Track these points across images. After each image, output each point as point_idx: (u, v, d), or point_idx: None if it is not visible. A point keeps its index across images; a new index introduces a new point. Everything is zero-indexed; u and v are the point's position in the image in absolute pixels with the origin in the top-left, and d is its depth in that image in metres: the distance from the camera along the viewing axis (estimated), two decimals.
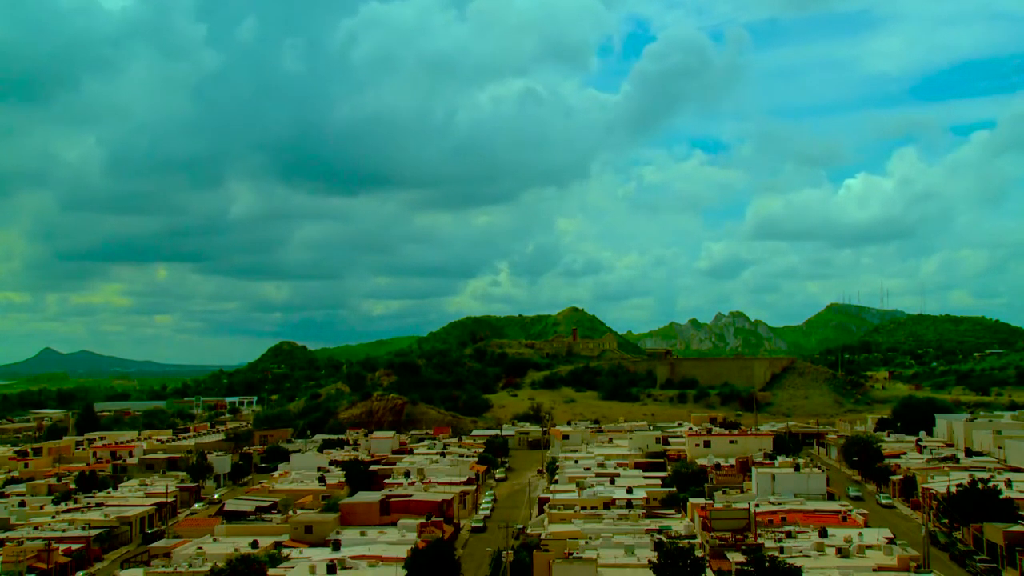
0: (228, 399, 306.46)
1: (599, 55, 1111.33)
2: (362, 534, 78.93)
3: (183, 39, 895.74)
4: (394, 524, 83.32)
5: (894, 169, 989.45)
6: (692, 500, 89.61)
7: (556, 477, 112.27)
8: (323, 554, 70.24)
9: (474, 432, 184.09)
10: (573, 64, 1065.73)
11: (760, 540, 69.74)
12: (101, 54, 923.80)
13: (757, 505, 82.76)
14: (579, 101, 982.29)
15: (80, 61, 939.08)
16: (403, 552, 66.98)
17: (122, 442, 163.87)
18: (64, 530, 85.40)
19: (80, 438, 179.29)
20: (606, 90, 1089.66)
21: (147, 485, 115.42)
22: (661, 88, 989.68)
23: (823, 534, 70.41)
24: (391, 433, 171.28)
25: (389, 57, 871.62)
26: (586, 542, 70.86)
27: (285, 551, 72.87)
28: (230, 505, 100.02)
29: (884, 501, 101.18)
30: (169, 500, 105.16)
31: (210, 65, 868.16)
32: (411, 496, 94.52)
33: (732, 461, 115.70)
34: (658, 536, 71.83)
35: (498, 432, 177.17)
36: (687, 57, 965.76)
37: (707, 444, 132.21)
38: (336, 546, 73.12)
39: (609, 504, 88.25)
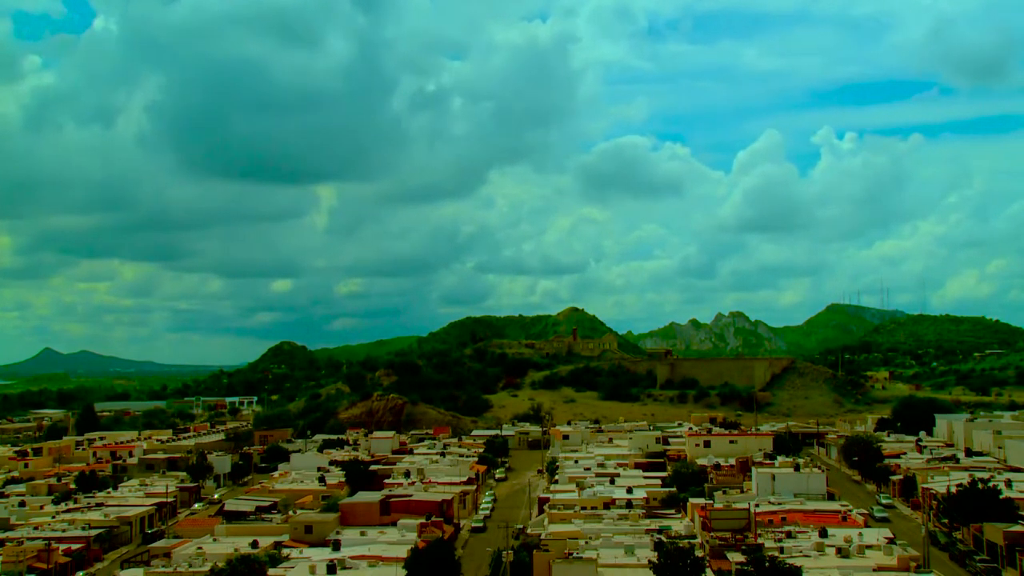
0: (228, 399, 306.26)
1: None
2: (362, 534, 78.96)
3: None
4: (394, 524, 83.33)
5: (895, 163, 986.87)
6: (692, 500, 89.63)
7: (556, 477, 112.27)
8: (323, 554, 70.27)
9: (474, 432, 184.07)
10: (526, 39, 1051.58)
11: (760, 540, 69.75)
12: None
13: (757, 505, 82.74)
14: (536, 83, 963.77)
15: None
16: (403, 552, 67.00)
17: (122, 442, 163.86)
18: (64, 530, 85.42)
19: (80, 438, 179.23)
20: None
21: (147, 485, 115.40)
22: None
23: (823, 534, 70.42)
24: (391, 433, 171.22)
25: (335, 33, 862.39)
26: (586, 542, 70.85)
27: (285, 551, 72.91)
28: (230, 505, 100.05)
29: (884, 501, 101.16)
30: (169, 500, 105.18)
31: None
32: (411, 496, 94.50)
33: (732, 461, 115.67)
34: (658, 536, 71.86)
35: (498, 432, 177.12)
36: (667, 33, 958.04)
37: (707, 444, 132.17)
38: (336, 546, 73.15)
39: (609, 504, 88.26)
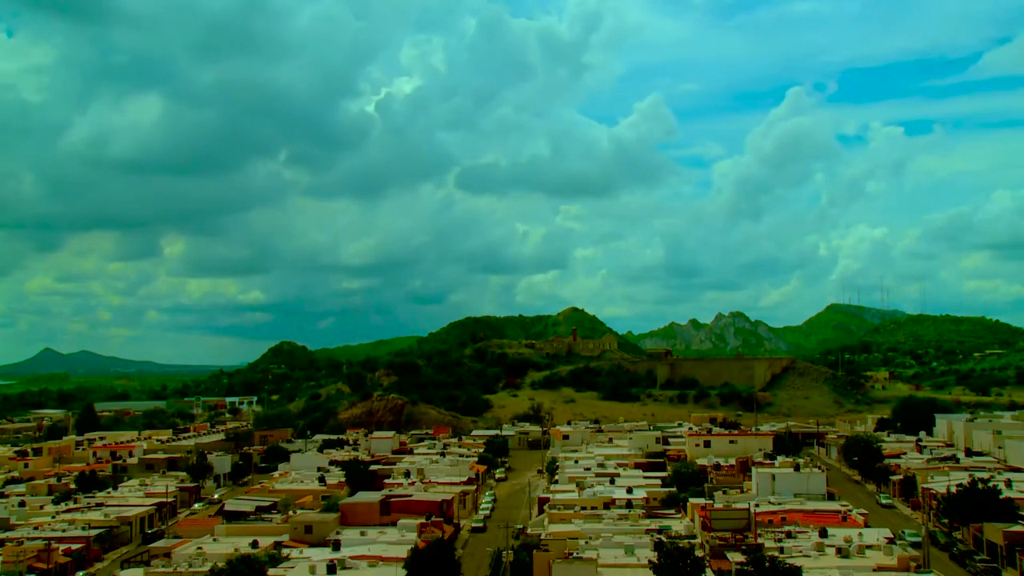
0: (228, 399, 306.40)
1: None
2: (362, 534, 78.94)
3: None
4: (394, 524, 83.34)
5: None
6: (692, 500, 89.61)
7: (556, 477, 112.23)
8: (323, 554, 70.24)
9: (474, 432, 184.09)
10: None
11: (760, 540, 69.71)
12: None
13: (757, 505, 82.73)
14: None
15: None
16: (403, 552, 66.98)
17: (122, 442, 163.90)
18: (64, 530, 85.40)
19: (80, 438, 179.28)
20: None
21: (147, 485, 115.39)
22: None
23: (823, 534, 70.37)
24: (391, 433, 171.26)
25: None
26: (586, 542, 70.82)
27: (285, 551, 72.89)
28: (230, 505, 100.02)
29: (884, 501, 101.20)
30: (169, 500, 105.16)
31: None
32: (411, 496, 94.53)
33: (732, 461, 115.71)
34: (658, 536, 71.81)
35: (498, 432, 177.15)
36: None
37: (707, 444, 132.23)
38: (336, 546, 73.13)
39: (609, 504, 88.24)
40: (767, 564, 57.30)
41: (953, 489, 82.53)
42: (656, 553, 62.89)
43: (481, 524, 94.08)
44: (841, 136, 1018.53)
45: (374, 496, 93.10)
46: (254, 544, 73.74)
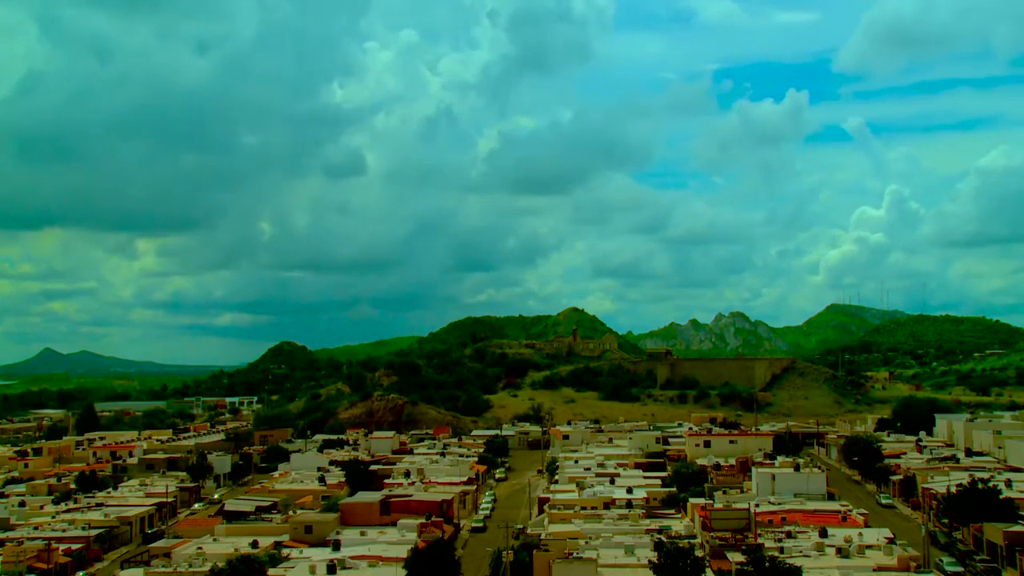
0: (228, 399, 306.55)
1: None
2: (362, 534, 79.00)
3: None
4: (394, 524, 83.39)
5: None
6: (692, 500, 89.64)
7: (556, 477, 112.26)
8: (323, 554, 70.30)
9: (474, 432, 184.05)
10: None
11: (760, 540, 69.74)
12: None
13: (757, 505, 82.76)
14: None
15: None
16: (403, 552, 67.05)
17: (122, 442, 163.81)
18: (64, 530, 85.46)
19: (80, 438, 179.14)
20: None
21: (147, 485, 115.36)
22: None
23: (823, 534, 70.42)
24: (391, 433, 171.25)
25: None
26: (586, 542, 70.87)
27: (285, 551, 72.95)
28: (230, 505, 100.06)
29: (884, 501, 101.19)
30: (169, 500, 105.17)
31: None
32: (411, 496, 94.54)
33: (732, 461, 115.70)
34: (658, 536, 71.84)
35: (498, 432, 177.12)
36: None
37: (707, 444, 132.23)
38: (336, 546, 73.18)
39: (609, 504, 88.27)
40: (767, 564, 57.36)
41: (953, 489, 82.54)
42: (656, 553, 62.96)
43: (481, 524, 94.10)
44: (846, 130, 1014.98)
45: (374, 496, 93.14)
46: (254, 544, 73.77)
